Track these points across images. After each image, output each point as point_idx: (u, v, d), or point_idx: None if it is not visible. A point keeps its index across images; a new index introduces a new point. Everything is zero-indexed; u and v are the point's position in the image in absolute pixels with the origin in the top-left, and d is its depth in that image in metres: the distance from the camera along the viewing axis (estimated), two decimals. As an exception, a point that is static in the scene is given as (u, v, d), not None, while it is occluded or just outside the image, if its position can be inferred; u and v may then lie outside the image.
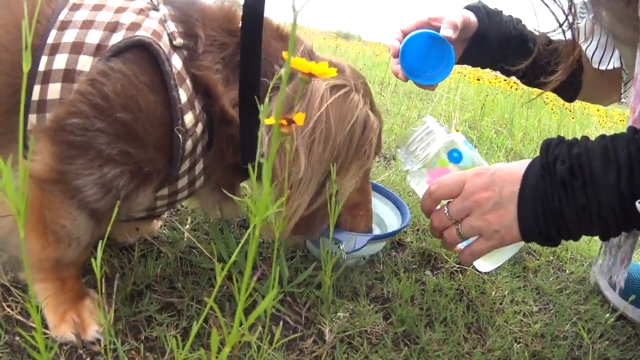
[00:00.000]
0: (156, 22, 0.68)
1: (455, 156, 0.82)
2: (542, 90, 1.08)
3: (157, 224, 1.00)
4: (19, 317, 0.71)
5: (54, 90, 0.64)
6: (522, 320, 0.97)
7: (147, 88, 0.65)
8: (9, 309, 0.72)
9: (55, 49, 0.65)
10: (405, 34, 0.95)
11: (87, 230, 0.69)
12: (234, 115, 0.72)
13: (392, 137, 2.07)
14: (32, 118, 0.65)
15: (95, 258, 0.51)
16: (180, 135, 0.67)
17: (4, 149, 0.67)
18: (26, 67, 0.36)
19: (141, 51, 0.65)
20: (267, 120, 0.39)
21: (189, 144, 0.70)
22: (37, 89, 0.64)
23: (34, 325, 0.55)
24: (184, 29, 0.70)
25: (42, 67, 0.64)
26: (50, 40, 0.65)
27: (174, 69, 0.66)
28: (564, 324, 0.99)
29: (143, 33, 0.66)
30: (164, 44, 0.67)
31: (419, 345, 0.81)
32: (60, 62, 0.64)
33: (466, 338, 0.88)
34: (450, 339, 0.84)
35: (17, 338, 0.69)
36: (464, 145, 0.84)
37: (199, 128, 0.71)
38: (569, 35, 0.88)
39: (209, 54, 0.71)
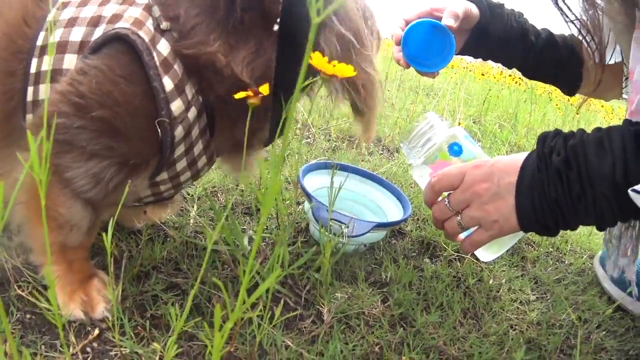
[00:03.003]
0: (140, 10, 0.66)
1: (455, 149, 0.84)
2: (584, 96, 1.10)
3: (167, 209, 1.03)
4: (29, 297, 0.74)
5: (44, 90, 0.65)
6: (518, 308, 0.99)
7: (125, 81, 0.64)
8: (19, 290, 0.74)
9: (44, 50, 0.65)
10: (407, 23, 0.97)
11: (83, 217, 0.70)
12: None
13: (397, 130, 2.09)
14: (29, 118, 0.67)
15: (104, 241, 0.54)
16: (164, 126, 0.66)
17: (4, 152, 0.69)
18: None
19: (120, 44, 0.64)
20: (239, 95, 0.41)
21: (179, 130, 0.69)
22: (30, 90, 0.65)
23: (44, 305, 0.58)
24: (165, 10, 0.67)
25: (33, 69, 0.65)
26: (39, 42, 0.65)
27: (156, 57, 0.64)
28: (561, 313, 1.01)
29: (123, 24, 0.64)
30: (146, 31, 0.64)
31: (415, 328, 0.84)
32: (47, 63, 0.65)
33: (462, 323, 0.90)
34: (446, 323, 0.86)
35: (27, 316, 0.71)
36: (465, 139, 0.86)
37: (192, 112, 0.69)
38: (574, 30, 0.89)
39: (200, 25, 0.67)
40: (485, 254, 0.87)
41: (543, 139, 0.68)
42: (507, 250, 1.15)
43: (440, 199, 0.79)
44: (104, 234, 0.55)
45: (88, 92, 0.63)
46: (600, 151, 0.61)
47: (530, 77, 1.17)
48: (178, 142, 0.70)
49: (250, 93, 0.40)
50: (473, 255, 0.88)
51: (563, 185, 0.63)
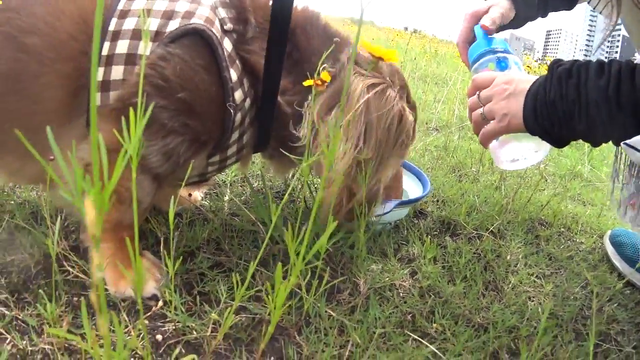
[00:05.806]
0: (208, 10, 0.76)
1: (502, 65, 0.96)
2: None
3: (201, 193, 1.10)
4: (76, 279, 0.78)
5: (117, 71, 0.72)
6: (535, 282, 1.05)
7: (203, 70, 0.74)
8: (64, 274, 0.78)
9: (116, 35, 0.73)
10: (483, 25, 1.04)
11: (149, 193, 0.77)
12: (280, 102, 0.81)
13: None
14: (97, 96, 0.73)
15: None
16: (231, 110, 0.76)
17: (71, 124, 0.75)
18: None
19: (196, 37, 0.73)
20: (307, 82, 0.47)
21: (238, 116, 0.79)
22: (101, 70, 0.72)
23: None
24: (235, 15, 0.78)
25: (105, 51, 0.72)
26: (111, 27, 0.73)
27: (225, 52, 0.75)
28: (575, 287, 1.07)
29: (197, 20, 0.74)
30: (216, 29, 0.75)
31: (442, 298, 0.90)
32: (122, 47, 0.72)
33: (484, 294, 0.96)
34: (470, 294, 0.93)
35: (75, 298, 0.75)
36: (514, 63, 0.97)
37: (247, 103, 0.80)
38: None
39: (256, 39, 0.79)
40: (505, 161, 0.93)
41: (557, 60, 0.80)
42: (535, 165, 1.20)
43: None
44: (161, 216, 0.62)
45: (172, 75, 0.71)
46: (600, 71, 0.73)
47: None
48: (235, 128, 0.80)
49: (318, 82, 0.47)
50: (496, 162, 0.96)
51: (562, 89, 0.75)
